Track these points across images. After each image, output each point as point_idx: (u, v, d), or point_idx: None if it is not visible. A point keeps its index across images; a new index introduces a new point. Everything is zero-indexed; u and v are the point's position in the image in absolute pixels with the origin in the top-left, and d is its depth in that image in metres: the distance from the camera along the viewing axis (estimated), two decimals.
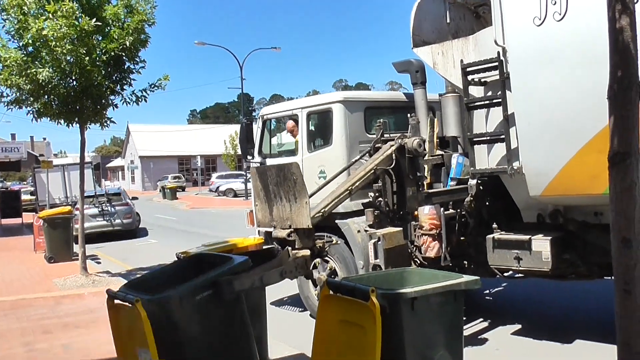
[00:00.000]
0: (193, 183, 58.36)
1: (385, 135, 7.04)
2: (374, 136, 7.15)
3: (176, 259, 5.37)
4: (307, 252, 5.19)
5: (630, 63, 2.83)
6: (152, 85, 10.61)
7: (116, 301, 4.13)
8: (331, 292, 3.83)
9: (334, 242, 6.24)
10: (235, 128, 45.92)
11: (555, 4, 5.24)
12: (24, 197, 27.14)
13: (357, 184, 6.44)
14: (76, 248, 12.48)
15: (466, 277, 3.88)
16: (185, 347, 3.93)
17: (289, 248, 5.23)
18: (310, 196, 5.71)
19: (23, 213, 24.27)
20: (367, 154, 7.02)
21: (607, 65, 4.12)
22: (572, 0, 5.16)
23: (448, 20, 7.05)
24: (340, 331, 3.73)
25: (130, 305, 3.90)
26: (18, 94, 10.04)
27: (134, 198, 23.05)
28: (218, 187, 43.62)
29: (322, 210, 6.10)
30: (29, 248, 15.72)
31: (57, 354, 6.33)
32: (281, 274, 4.92)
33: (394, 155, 6.62)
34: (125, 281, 4.70)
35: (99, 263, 13.72)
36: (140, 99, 10.61)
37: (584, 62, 5.19)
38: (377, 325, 3.35)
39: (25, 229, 21.46)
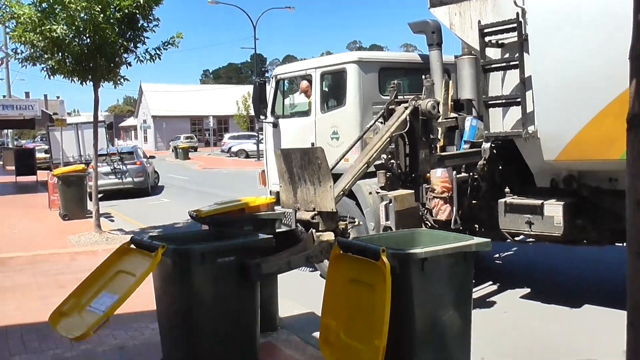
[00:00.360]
0: (205, 143, 58.46)
1: (399, 97, 6.94)
2: (388, 98, 7.05)
3: (189, 217, 5.44)
4: (331, 235, 5.20)
5: None
6: (166, 43, 10.56)
7: (132, 246, 4.15)
8: (342, 252, 3.85)
9: (357, 223, 6.22)
10: (248, 89, 45.68)
11: None
12: (38, 155, 27.33)
13: (374, 155, 6.32)
14: (90, 206, 12.61)
15: (477, 239, 3.89)
16: (194, 304, 3.99)
17: (313, 231, 5.26)
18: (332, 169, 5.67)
19: (38, 171, 24.50)
20: (381, 117, 6.94)
21: (629, 26, 4.13)
22: None
23: None
24: (350, 290, 3.77)
25: (145, 252, 3.93)
26: (32, 50, 10.04)
27: (151, 157, 23.31)
28: (230, 148, 43.66)
29: (343, 189, 6.03)
30: (43, 205, 15.91)
31: None
32: (307, 258, 5.02)
33: (408, 119, 6.53)
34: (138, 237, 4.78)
35: (112, 221, 13.88)
36: (154, 57, 10.57)
37: (604, 24, 5.07)
38: (387, 285, 3.37)
39: (40, 187, 21.69)
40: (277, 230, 5.42)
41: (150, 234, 10.97)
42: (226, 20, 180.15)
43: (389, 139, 6.42)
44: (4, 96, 34.17)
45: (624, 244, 6.23)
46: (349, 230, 5.68)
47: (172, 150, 46.58)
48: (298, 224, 5.47)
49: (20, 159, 24.62)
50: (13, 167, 25.04)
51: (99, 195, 12.24)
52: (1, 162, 35.05)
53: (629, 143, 2.69)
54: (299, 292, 7.05)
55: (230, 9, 54.86)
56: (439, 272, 3.65)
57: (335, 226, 5.35)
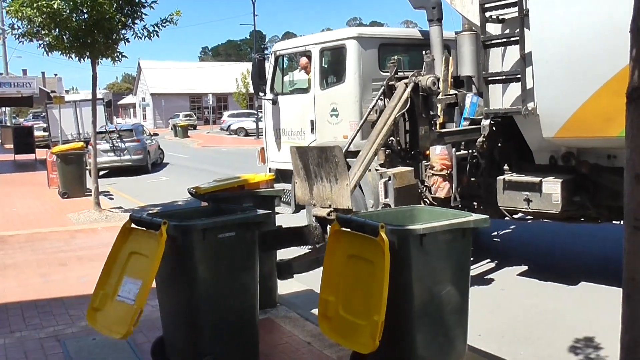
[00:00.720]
0: (204, 121, 58.29)
1: (399, 73, 6.90)
2: (388, 74, 6.98)
3: (189, 194, 5.44)
4: None
5: None
6: (164, 20, 10.48)
7: (133, 225, 4.14)
8: (341, 228, 3.86)
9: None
10: (247, 66, 45.41)
11: None
12: (37, 133, 27.26)
13: (380, 141, 6.23)
14: (89, 184, 12.62)
15: (475, 216, 3.88)
16: (196, 280, 4.01)
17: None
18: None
19: (36, 149, 24.47)
20: (382, 94, 6.88)
21: (630, 2, 4.23)
22: None
23: None
24: (349, 266, 3.78)
25: (152, 230, 3.93)
26: (29, 26, 9.95)
27: (155, 134, 23.36)
28: (229, 126, 43.56)
29: (356, 183, 5.96)
30: (42, 183, 15.92)
31: (73, 285, 6.50)
32: None
33: (409, 96, 6.47)
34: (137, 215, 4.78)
35: (111, 199, 13.91)
36: (151, 34, 10.49)
37: (603, 0, 5.07)
38: (386, 261, 3.38)
39: (38, 165, 21.68)
40: (286, 227, 5.40)
41: (150, 211, 11.02)
42: None
43: (393, 121, 6.34)
44: (1, 73, 33.94)
45: (622, 222, 6.36)
46: None
47: (171, 128, 46.48)
48: (313, 220, 5.46)
49: (18, 137, 24.56)
50: (11, 145, 25.00)
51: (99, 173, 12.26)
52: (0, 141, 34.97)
53: (628, 117, 2.68)
54: None
55: None
56: (437, 248, 3.66)
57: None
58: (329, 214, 5.16)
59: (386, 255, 3.38)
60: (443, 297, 3.72)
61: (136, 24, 10.37)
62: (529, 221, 7.28)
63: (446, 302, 3.74)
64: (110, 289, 3.95)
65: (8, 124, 38.88)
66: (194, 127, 51.66)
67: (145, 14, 10.34)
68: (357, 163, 6.04)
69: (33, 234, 9.49)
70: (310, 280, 6.16)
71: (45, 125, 27.76)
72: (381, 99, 6.84)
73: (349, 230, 3.82)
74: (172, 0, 13.37)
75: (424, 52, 7.00)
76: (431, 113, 6.74)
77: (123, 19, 10.11)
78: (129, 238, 4.11)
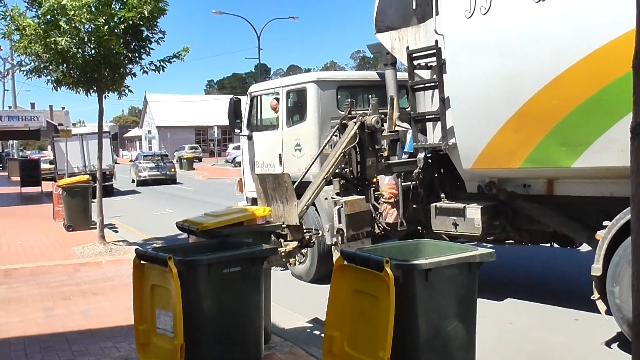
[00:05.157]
0: (210, 154, 58.51)
1: (352, 112, 7.60)
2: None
3: (177, 227, 5.39)
4: (294, 244, 6.11)
5: None
6: (172, 57, 10.58)
7: (142, 261, 4.18)
8: (346, 262, 3.83)
9: (320, 234, 7.10)
10: None
11: None
12: (43, 166, 27.41)
13: (330, 169, 7.11)
14: (94, 217, 12.63)
15: (481, 250, 3.86)
16: (200, 313, 3.98)
17: (281, 240, 6.06)
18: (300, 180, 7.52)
19: (42, 182, 24.56)
20: (336, 131, 7.68)
21: (522, 57, 5.55)
22: None
23: (414, 7, 7.56)
24: (354, 301, 3.75)
25: (158, 265, 3.98)
26: (37, 62, 10.09)
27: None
28: (234, 158, 43.62)
29: (306, 204, 6.89)
30: (48, 216, 15.95)
31: (76, 319, 6.46)
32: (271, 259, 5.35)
33: (357, 132, 7.29)
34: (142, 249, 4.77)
35: (116, 232, 13.90)
36: (159, 69, 10.60)
37: (502, 53, 5.77)
38: (391, 296, 3.35)
39: (44, 198, 21.75)
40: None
41: (154, 244, 10.99)
42: (230, 31, 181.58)
43: (342, 154, 7.22)
44: (10, 107, 34.31)
45: (554, 245, 6.96)
46: (313, 240, 6.51)
47: (177, 161, 46.67)
48: (272, 235, 5.91)
49: (25, 170, 24.70)
50: (18, 178, 25.11)
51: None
52: (7, 173, 35.17)
53: (633, 152, 2.67)
54: (292, 299, 7.15)
55: (235, 19, 55.67)
56: (443, 283, 3.62)
57: (301, 237, 6.19)
58: (282, 230, 6.00)
59: (391, 290, 3.36)
60: (449, 332, 3.67)
61: (143, 59, 10.50)
62: (507, 246, 7.36)
63: (453, 338, 3.69)
64: (148, 323, 4.14)
65: (15, 157, 39.11)
66: (200, 159, 51.91)
67: (152, 49, 10.47)
68: (310, 189, 7.07)
69: (37, 267, 9.46)
70: (314, 313, 6.12)
71: (51, 157, 27.97)
72: (336, 135, 7.68)
73: (353, 265, 3.79)
74: (178, 34, 13.58)
75: (370, 96, 7.79)
76: (377, 147, 7.58)
77: (130, 54, 10.23)
78: (144, 272, 4.20)
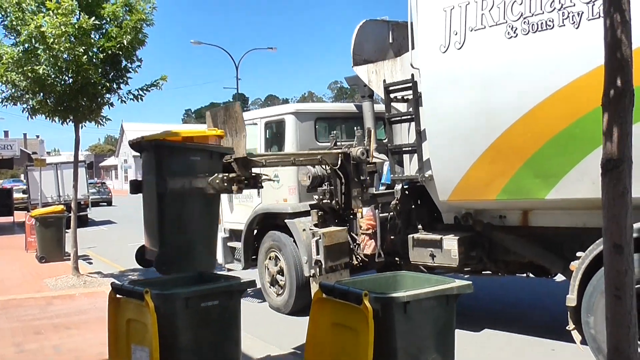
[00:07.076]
0: None
1: (337, 144, 7.73)
2: (323, 144, 8.04)
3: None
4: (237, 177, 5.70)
5: (625, 70, 2.84)
6: (150, 85, 10.60)
7: (118, 295, 4.12)
8: (324, 295, 3.83)
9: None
10: None
11: (456, 34, 5.96)
12: (16, 195, 26.98)
13: (301, 159, 7.04)
14: (68, 248, 12.42)
15: (459, 282, 3.89)
16: (178, 348, 3.93)
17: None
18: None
19: (15, 211, 24.13)
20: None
21: (496, 90, 5.64)
22: (469, 32, 5.89)
23: (391, 40, 7.76)
24: (333, 334, 3.74)
25: (134, 299, 3.92)
26: (13, 90, 10.01)
27: None
28: None
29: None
30: (20, 247, 15.66)
31: (48, 354, 6.31)
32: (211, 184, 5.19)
33: (340, 157, 7.27)
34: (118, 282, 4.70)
35: (90, 263, 13.67)
36: (137, 98, 10.59)
37: (476, 87, 5.87)
38: (370, 329, 3.35)
39: (17, 228, 21.36)
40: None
41: (130, 277, 10.84)
42: (209, 60, 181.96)
43: (319, 158, 7.12)
44: None
45: (530, 275, 7.01)
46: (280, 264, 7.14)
47: None
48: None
49: None
50: None
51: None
52: None
53: (604, 187, 2.74)
54: (270, 332, 7.05)
55: (213, 49, 55.80)
56: (421, 316, 3.64)
57: (249, 173, 5.84)
58: (229, 163, 5.64)
59: (370, 323, 3.36)
60: None
61: (121, 88, 10.49)
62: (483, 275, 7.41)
63: None
64: (124, 359, 4.07)
65: None
66: None
67: (130, 78, 10.47)
68: (277, 157, 6.95)
69: (8, 300, 9.24)
70: (293, 346, 6.06)
71: (24, 187, 27.55)
72: (313, 166, 7.52)
73: (332, 297, 3.79)
74: (156, 62, 13.64)
75: (355, 128, 7.81)
76: (362, 178, 7.50)
77: (108, 83, 10.21)
78: (119, 306, 4.15)
